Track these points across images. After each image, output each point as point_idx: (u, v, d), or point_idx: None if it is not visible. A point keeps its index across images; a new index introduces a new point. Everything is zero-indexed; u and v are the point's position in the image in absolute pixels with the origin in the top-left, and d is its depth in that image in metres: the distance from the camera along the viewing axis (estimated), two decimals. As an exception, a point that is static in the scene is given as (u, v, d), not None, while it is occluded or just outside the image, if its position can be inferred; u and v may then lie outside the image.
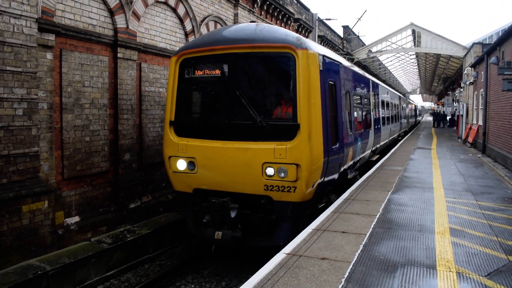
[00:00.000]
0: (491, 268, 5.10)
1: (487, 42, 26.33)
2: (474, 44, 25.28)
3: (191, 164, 8.07)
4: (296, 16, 23.29)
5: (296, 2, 24.45)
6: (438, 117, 49.93)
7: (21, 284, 6.89)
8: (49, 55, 8.39)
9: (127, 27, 10.38)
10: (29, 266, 7.43)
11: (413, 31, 34.32)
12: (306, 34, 25.10)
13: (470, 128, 24.18)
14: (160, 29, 11.82)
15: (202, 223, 8.02)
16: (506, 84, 13.00)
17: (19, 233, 7.58)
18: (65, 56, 8.78)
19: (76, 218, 9.11)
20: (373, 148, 14.39)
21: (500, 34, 16.80)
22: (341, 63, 9.71)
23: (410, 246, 5.89)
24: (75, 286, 7.89)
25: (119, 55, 10.11)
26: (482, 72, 20.37)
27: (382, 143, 16.95)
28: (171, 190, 11.57)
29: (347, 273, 4.85)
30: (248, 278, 4.89)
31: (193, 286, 8.32)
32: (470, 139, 23.34)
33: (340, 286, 4.51)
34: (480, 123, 21.01)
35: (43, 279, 7.26)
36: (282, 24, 21.44)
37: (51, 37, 8.36)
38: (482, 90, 20.50)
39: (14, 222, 7.48)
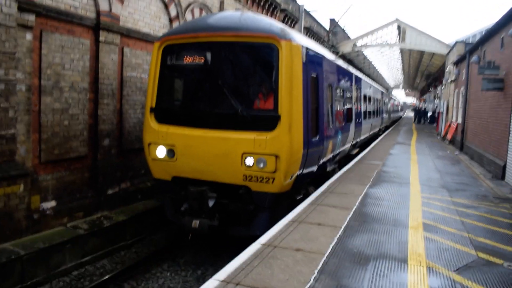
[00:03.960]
0: (460, 263, 5.23)
1: (471, 41, 26.64)
2: (457, 42, 25.60)
3: (170, 151, 8.03)
4: (282, 7, 23.19)
5: (283, -8, 24.32)
6: (419, 114, 50.51)
7: (-6, 268, 6.79)
8: (28, 36, 8.20)
9: (110, 10, 10.20)
10: (3, 250, 7.32)
11: (398, 27, 34.60)
12: (292, 25, 25.04)
13: (450, 126, 24.59)
14: (144, 14, 11.65)
15: (180, 211, 8.01)
16: (486, 83, 13.24)
17: (-7, 216, 7.46)
18: (45, 37, 8.60)
19: (52, 203, 9.00)
20: (354, 142, 14.52)
21: (483, 34, 17.03)
22: (324, 56, 9.73)
23: (383, 239, 5.99)
24: (50, 271, 7.80)
25: (101, 38, 9.94)
26: (464, 71, 20.68)
27: (362, 137, 17.11)
28: (151, 177, 11.45)
29: (320, 265, 4.92)
30: (224, 267, 4.92)
31: (168, 274, 8.33)
32: (449, 136, 23.74)
33: (313, 277, 4.58)
34: (460, 121, 21.37)
35: (17, 264, 7.17)
36: (268, 14, 21.34)
37: (31, 17, 8.17)
38: (462, 88, 20.82)
39: (-12, 205, 7.37)
